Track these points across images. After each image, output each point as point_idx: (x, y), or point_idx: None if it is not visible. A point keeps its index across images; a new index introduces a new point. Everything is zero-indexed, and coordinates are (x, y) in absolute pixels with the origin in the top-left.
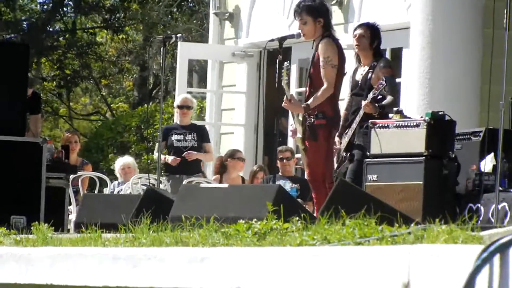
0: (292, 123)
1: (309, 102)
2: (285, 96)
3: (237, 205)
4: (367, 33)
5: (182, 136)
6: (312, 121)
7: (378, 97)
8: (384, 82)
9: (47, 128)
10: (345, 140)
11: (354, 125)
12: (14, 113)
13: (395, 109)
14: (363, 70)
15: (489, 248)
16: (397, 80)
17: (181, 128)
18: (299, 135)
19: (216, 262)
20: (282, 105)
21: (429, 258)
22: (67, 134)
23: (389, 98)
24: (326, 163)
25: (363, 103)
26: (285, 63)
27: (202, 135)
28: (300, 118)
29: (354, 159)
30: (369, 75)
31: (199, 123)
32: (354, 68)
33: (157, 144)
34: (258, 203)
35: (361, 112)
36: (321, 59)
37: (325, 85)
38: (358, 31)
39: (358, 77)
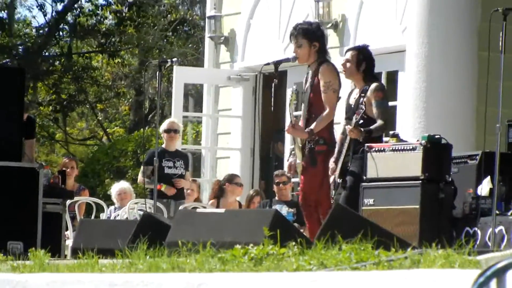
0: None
1: (312, 127)
2: (289, 122)
3: (234, 230)
4: (353, 57)
5: (172, 163)
6: (313, 146)
7: (360, 122)
8: (364, 107)
9: (43, 153)
10: (339, 165)
11: (343, 150)
12: (10, 138)
13: (391, 132)
14: (356, 93)
15: (485, 273)
16: (393, 103)
17: (169, 154)
18: (299, 160)
19: (213, 287)
20: (286, 130)
21: (425, 283)
22: (64, 159)
23: (378, 122)
24: (320, 189)
25: (347, 128)
26: (294, 87)
27: (187, 162)
28: (300, 144)
29: (346, 187)
30: (361, 99)
31: (196, 148)
32: (349, 91)
33: (142, 167)
34: (254, 228)
35: (348, 138)
36: (322, 83)
37: (327, 110)
38: (345, 57)
39: (352, 100)
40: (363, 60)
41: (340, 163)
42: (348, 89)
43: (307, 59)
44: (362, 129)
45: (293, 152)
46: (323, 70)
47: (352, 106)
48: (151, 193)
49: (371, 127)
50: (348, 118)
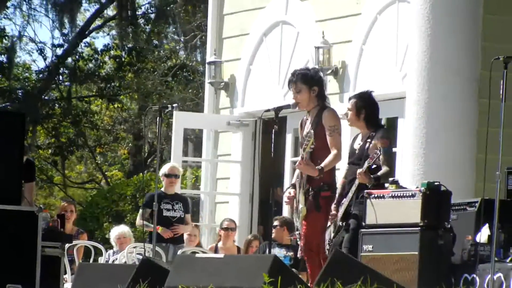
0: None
1: (322, 165)
2: (300, 157)
3: (233, 276)
4: (353, 106)
5: (171, 206)
6: (317, 192)
7: (373, 167)
8: (379, 152)
9: (42, 196)
10: (342, 209)
11: (350, 194)
12: (10, 182)
13: (390, 179)
14: (360, 139)
15: None
16: (393, 150)
17: (168, 197)
18: (301, 205)
19: None
20: (296, 166)
21: None
22: (63, 203)
23: (384, 169)
24: (322, 234)
25: (358, 172)
26: (311, 131)
27: (186, 205)
28: (304, 189)
29: (350, 229)
30: (367, 145)
31: (195, 193)
32: (354, 136)
33: (140, 210)
34: (254, 273)
35: (357, 182)
36: (327, 127)
37: (334, 152)
38: (348, 105)
39: (356, 146)
40: (362, 107)
41: (343, 206)
42: (349, 133)
43: (307, 105)
44: (371, 176)
45: (291, 187)
46: (327, 115)
47: (357, 151)
48: (150, 236)
49: (379, 173)
50: (352, 163)
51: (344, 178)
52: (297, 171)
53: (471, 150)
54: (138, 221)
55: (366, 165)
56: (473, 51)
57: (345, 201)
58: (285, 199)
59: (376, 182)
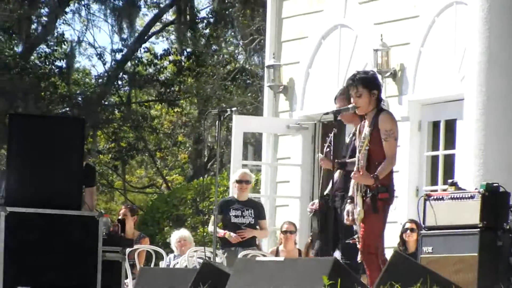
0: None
1: (377, 173)
2: (355, 168)
3: (293, 279)
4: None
5: (240, 212)
6: (375, 194)
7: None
8: (331, 135)
9: (103, 201)
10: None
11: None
12: (70, 187)
13: (449, 181)
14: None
15: None
16: (451, 151)
17: (238, 203)
18: (359, 208)
19: None
20: (352, 176)
21: None
22: (124, 208)
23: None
24: (381, 236)
25: (319, 157)
26: (367, 132)
27: (259, 211)
28: (361, 191)
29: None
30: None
31: (255, 196)
32: (352, 132)
33: (212, 217)
34: (314, 276)
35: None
36: (383, 132)
37: (388, 158)
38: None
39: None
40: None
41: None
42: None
43: (367, 108)
44: (336, 160)
45: (349, 200)
46: (384, 119)
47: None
48: (221, 241)
49: (347, 159)
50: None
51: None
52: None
53: None
54: (210, 227)
55: (325, 150)
56: None
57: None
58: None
59: (339, 167)
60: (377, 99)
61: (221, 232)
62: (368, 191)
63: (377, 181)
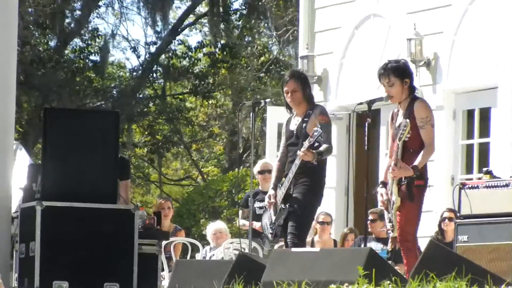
0: None
1: (416, 163)
2: (392, 164)
3: (328, 269)
4: (298, 86)
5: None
6: (410, 181)
7: (315, 145)
8: (319, 129)
9: (139, 194)
10: (282, 191)
11: (290, 175)
12: (106, 181)
13: (484, 169)
14: (297, 120)
15: None
16: (486, 140)
17: (262, 194)
18: (395, 196)
19: None
20: (390, 172)
21: None
22: (160, 200)
23: (324, 146)
24: (417, 224)
25: (299, 152)
26: (407, 120)
27: None
28: (396, 180)
29: (292, 212)
30: (304, 124)
31: None
32: (288, 118)
33: (240, 211)
34: (349, 266)
35: (297, 162)
36: (419, 119)
37: (427, 145)
38: (288, 88)
39: (293, 127)
40: (306, 86)
41: (283, 188)
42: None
43: (401, 97)
44: (314, 151)
45: (380, 185)
46: (419, 106)
47: (295, 132)
48: (252, 233)
49: (321, 148)
50: (290, 145)
51: (278, 161)
52: (388, 163)
53: None
54: (240, 220)
55: (307, 143)
56: None
57: (285, 183)
58: (379, 200)
59: (319, 156)
60: (409, 88)
61: (257, 225)
62: (404, 179)
63: (416, 171)
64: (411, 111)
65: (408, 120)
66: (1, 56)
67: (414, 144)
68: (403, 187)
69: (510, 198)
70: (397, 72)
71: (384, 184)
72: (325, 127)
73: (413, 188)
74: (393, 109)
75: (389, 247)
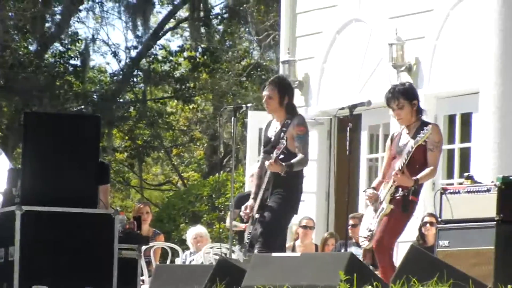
0: None
1: (418, 177)
2: (397, 168)
3: (310, 274)
4: (275, 93)
5: None
6: (407, 194)
7: (281, 156)
8: (285, 142)
9: (119, 199)
10: (257, 201)
11: (263, 186)
12: (85, 185)
13: (465, 174)
14: (275, 126)
15: None
16: (467, 145)
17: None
18: (386, 204)
19: None
20: (393, 175)
21: None
22: (138, 205)
23: (299, 157)
24: (398, 235)
25: (266, 163)
26: (426, 128)
27: None
28: (392, 190)
29: (261, 221)
30: (282, 134)
31: None
32: (268, 122)
33: (229, 212)
34: (330, 271)
35: (268, 172)
36: (431, 142)
37: (432, 167)
38: (265, 92)
39: (271, 133)
40: (285, 93)
41: (258, 198)
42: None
43: (410, 119)
44: (283, 164)
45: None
46: (435, 130)
47: (272, 139)
48: (239, 237)
49: (292, 161)
50: (266, 152)
51: (259, 168)
52: (378, 181)
53: None
54: (227, 222)
55: (274, 155)
56: None
57: (260, 192)
58: (366, 198)
59: (288, 169)
60: (417, 109)
61: (241, 225)
62: (401, 190)
63: (416, 184)
64: (418, 133)
65: (412, 145)
66: None
67: (419, 162)
68: (399, 198)
69: (491, 203)
70: (406, 95)
71: (374, 189)
72: (302, 138)
73: (409, 202)
74: (376, 114)
75: (361, 258)
